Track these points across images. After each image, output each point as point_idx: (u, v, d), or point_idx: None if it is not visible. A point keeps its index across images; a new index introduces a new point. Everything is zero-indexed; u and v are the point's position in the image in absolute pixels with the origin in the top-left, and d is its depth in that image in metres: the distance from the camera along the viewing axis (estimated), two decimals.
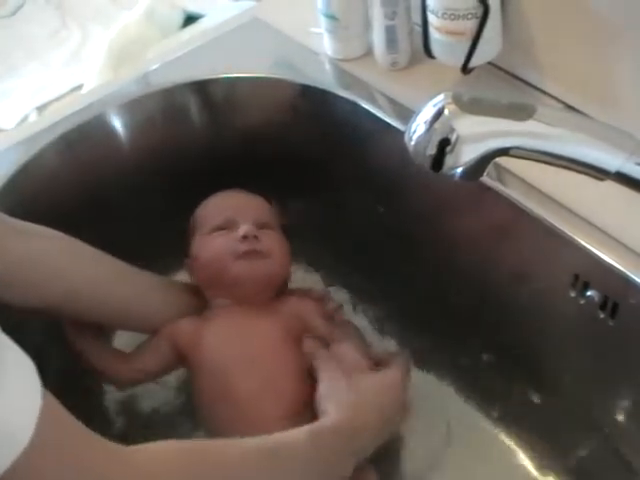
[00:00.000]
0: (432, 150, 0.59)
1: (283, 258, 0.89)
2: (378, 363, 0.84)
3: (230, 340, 0.85)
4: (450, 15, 0.83)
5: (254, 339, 0.85)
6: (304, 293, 0.92)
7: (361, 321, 1.02)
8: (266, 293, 0.88)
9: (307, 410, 0.79)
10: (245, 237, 0.86)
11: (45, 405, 0.48)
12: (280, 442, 0.69)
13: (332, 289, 1.04)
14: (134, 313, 0.87)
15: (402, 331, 1.01)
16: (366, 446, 0.77)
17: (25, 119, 1.76)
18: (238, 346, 0.84)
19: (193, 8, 1.91)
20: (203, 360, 0.84)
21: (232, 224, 0.88)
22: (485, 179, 0.79)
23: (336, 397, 0.77)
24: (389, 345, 1.00)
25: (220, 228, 0.88)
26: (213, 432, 0.84)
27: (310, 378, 0.82)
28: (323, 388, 0.78)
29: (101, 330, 0.89)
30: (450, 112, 0.58)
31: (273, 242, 0.88)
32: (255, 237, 0.86)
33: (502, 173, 0.80)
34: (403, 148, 0.62)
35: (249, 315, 0.86)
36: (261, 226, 0.89)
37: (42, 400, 0.48)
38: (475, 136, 0.58)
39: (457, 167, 0.59)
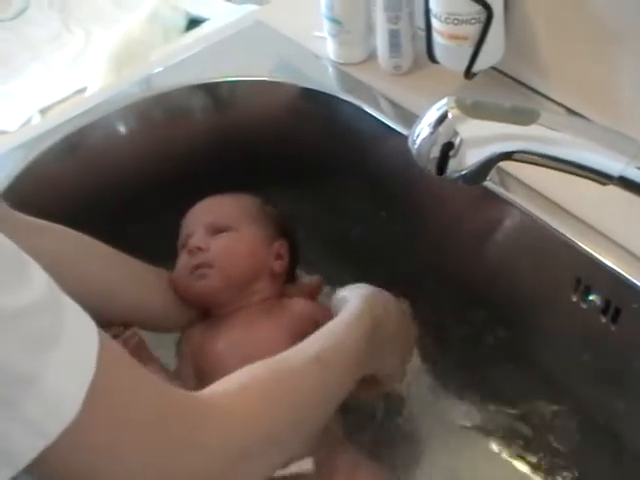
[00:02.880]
0: (435, 154, 0.59)
1: (232, 259, 0.87)
2: None
3: (232, 345, 0.85)
4: (453, 20, 0.83)
5: (256, 343, 0.84)
6: (303, 289, 0.92)
7: None
8: (235, 294, 0.87)
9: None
10: (190, 252, 0.87)
11: (104, 348, 0.48)
12: (321, 344, 0.70)
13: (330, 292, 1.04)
14: (147, 311, 0.87)
15: None
16: (385, 347, 0.78)
17: (28, 121, 1.76)
18: (240, 351, 0.83)
19: (196, 11, 1.92)
20: (207, 366, 0.84)
21: (189, 238, 0.89)
22: (488, 183, 0.79)
23: (355, 289, 0.81)
24: None
25: (183, 246, 0.90)
26: None
27: None
28: (340, 291, 0.82)
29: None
30: (454, 116, 0.58)
31: (222, 245, 0.87)
32: (199, 249, 0.86)
33: (505, 177, 0.80)
34: (406, 152, 0.62)
35: (250, 319, 0.86)
36: (217, 230, 0.88)
37: (99, 345, 0.48)
38: (478, 140, 0.58)
39: (460, 171, 0.59)
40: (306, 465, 0.77)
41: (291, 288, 0.93)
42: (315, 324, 0.84)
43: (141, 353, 0.83)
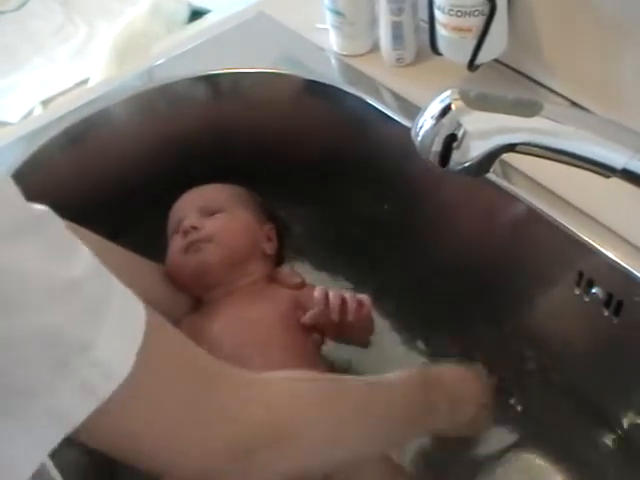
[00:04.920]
0: (439, 146, 0.59)
1: (230, 235, 0.89)
2: None
3: (228, 328, 0.85)
4: (457, 12, 0.83)
5: (251, 325, 0.85)
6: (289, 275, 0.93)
7: None
8: (231, 273, 0.88)
9: None
10: (185, 232, 0.88)
11: (149, 316, 0.50)
12: (373, 381, 0.71)
13: (334, 285, 1.04)
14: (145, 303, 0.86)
15: (406, 326, 1.01)
16: (439, 411, 0.76)
17: (30, 113, 1.76)
18: (237, 333, 0.84)
19: (199, 3, 1.91)
20: (207, 344, 0.84)
21: (180, 223, 0.90)
22: (491, 176, 0.79)
23: None
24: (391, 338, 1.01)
25: (175, 232, 0.91)
26: None
27: (320, 362, 0.84)
28: None
29: None
30: (457, 108, 0.58)
31: (218, 224, 0.89)
32: (194, 228, 0.88)
33: (508, 170, 0.80)
34: (408, 143, 0.62)
35: (243, 301, 0.87)
36: (210, 212, 0.90)
37: (145, 313, 0.50)
38: (482, 132, 0.58)
39: (463, 163, 0.59)
40: None
41: (278, 272, 0.94)
42: (304, 308, 0.86)
43: None
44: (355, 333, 0.89)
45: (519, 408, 0.92)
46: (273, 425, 0.57)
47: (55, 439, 0.47)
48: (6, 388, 0.44)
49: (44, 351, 0.44)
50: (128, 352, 0.48)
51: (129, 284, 0.86)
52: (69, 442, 0.48)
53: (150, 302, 0.88)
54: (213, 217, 0.90)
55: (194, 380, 0.54)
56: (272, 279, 0.91)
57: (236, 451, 0.55)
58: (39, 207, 0.46)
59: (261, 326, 0.84)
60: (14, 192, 0.46)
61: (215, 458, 0.55)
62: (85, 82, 1.76)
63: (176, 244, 0.89)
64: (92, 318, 0.46)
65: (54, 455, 0.50)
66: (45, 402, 0.45)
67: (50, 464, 0.65)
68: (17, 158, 0.91)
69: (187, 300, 0.91)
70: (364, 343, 0.92)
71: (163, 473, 0.58)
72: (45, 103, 1.78)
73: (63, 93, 1.79)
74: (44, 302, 0.43)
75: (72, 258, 0.46)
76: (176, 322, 0.89)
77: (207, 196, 0.93)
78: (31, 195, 0.91)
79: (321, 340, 0.89)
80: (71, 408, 0.46)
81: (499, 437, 0.90)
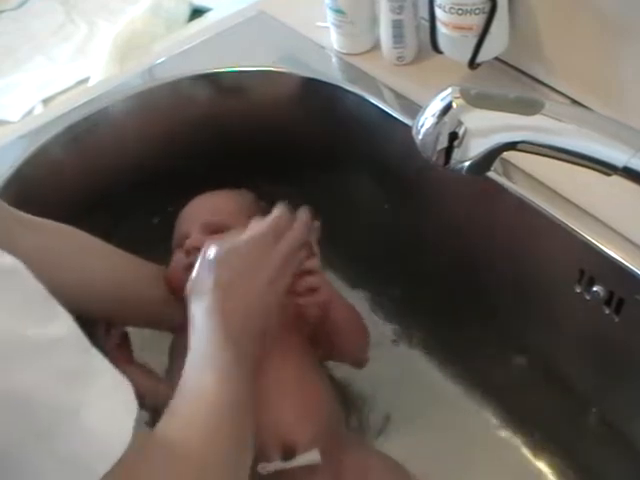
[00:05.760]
0: (439, 144, 0.59)
1: None
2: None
3: None
4: (457, 10, 0.83)
5: None
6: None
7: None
8: None
9: (324, 407, 0.80)
10: (187, 251, 0.86)
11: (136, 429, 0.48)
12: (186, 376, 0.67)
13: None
14: (143, 306, 0.86)
15: (406, 319, 1.01)
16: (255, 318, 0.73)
17: (31, 112, 1.76)
18: None
19: (199, 1, 1.91)
20: None
21: (186, 238, 0.88)
22: (492, 174, 0.79)
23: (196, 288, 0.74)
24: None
25: (179, 246, 0.89)
26: None
27: (325, 376, 0.83)
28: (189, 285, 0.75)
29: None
30: (458, 106, 0.58)
31: None
32: (196, 248, 0.83)
33: (509, 168, 0.80)
34: (409, 142, 0.62)
35: None
36: (213, 229, 0.87)
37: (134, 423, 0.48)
38: (483, 130, 0.58)
39: (464, 161, 0.59)
40: (313, 456, 0.77)
41: None
42: (304, 319, 0.85)
43: (124, 352, 0.84)
44: (346, 346, 0.88)
45: (519, 407, 0.93)
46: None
47: None
48: None
49: (21, 415, 0.41)
50: (122, 426, 0.46)
51: (129, 287, 0.86)
52: None
53: (149, 305, 0.88)
54: (216, 237, 0.88)
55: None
56: None
57: None
58: (9, 260, 0.44)
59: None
60: None
61: None
62: (86, 81, 1.76)
63: (178, 260, 0.88)
64: (75, 384, 0.44)
65: None
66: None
67: None
68: (18, 157, 0.91)
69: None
70: (359, 361, 0.92)
71: None
72: (46, 102, 1.78)
73: (64, 92, 1.79)
74: (14, 362, 0.41)
75: (51, 322, 0.44)
76: (173, 329, 0.89)
77: (213, 209, 0.92)
78: (31, 193, 0.92)
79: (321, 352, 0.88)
80: None
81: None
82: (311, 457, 0.77)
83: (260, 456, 0.78)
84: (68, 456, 0.43)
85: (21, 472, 0.42)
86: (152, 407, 0.82)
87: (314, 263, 0.81)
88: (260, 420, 0.77)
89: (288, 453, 0.77)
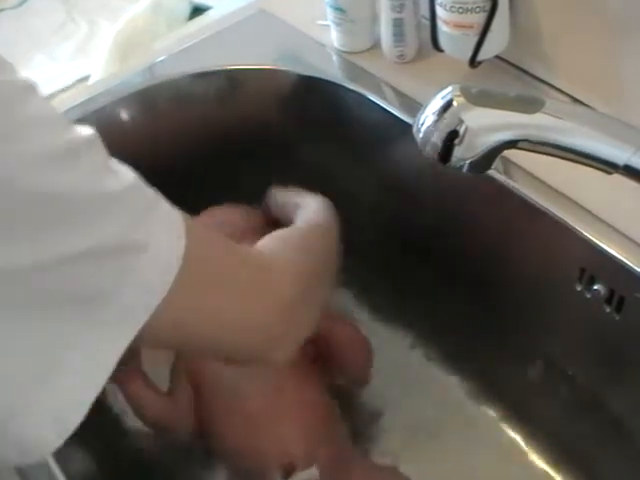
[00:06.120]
0: (440, 142, 0.59)
1: None
2: None
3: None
4: (458, 8, 0.83)
5: None
6: None
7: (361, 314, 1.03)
8: None
9: (325, 425, 0.79)
10: None
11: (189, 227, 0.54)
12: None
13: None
14: None
15: (404, 318, 1.01)
16: None
17: None
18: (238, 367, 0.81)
19: (200, 0, 1.91)
20: (204, 382, 0.83)
21: None
22: (492, 172, 0.79)
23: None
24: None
25: None
26: (227, 452, 0.82)
27: (326, 391, 0.83)
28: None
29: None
30: (458, 104, 0.58)
31: None
32: None
33: (509, 167, 0.80)
34: (410, 140, 0.62)
35: None
36: None
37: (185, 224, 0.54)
38: (483, 128, 0.58)
39: (465, 159, 0.59)
40: (311, 474, 0.77)
41: None
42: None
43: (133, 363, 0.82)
44: (349, 366, 0.89)
45: (518, 406, 0.93)
46: (291, 297, 0.64)
47: (124, 342, 0.49)
48: (74, 297, 0.46)
49: (106, 259, 0.47)
50: (177, 247, 0.52)
51: None
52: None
53: None
54: None
55: (230, 264, 0.61)
56: None
57: (270, 325, 0.63)
58: (85, 130, 0.50)
59: None
60: (60, 116, 0.48)
61: (255, 334, 0.62)
62: (86, 79, 1.76)
63: None
64: (143, 222, 0.50)
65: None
66: (112, 306, 0.48)
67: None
68: None
69: None
70: (361, 381, 0.92)
71: (216, 356, 0.67)
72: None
73: (64, 90, 1.79)
74: (98, 215, 0.46)
75: (117, 174, 0.50)
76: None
77: (221, 224, 0.91)
78: None
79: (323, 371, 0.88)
80: (136, 308, 0.49)
81: None
82: (309, 475, 0.77)
83: (260, 475, 0.77)
84: (138, 282, 0.49)
85: (108, 303, 0.47)
86: (153, 422, 0.83)
87: None
88: (260, 438, 0.78)
89: (289, 473, 0.77)
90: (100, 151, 0.51)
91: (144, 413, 0.82)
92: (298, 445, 0.78)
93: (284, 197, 0.90)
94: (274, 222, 0.89)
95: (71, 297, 0.46)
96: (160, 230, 0.51)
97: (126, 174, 0.51)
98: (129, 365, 0.82)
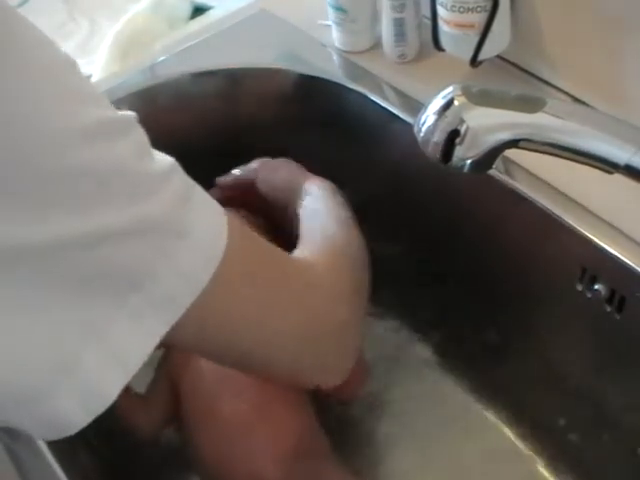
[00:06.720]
0: (441, 142, 0.59)
1: None
2: None
3: (213, 364, 0.77)
4: (459, 8, 0.83)
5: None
6: None
7: None
8: None
9: (305, 445, 0.77)
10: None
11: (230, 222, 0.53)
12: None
13: None
14: None
15: (404, 322, 1.01)
16: None
17: None
18: (221, 370, 0.78)
19: (201, 0, 1.91)
20: (186, 381, 0.80)
21: None
22: (493, 172, 0.79)
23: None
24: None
25: None
26: (201, 461, 0.79)
27: (307, 410, 0.80)
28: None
29: None
30: (460, 104, 0.58)
31: None
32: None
33: (510, 166, 0.80)
34: (411, 140, 0.62)
35: None
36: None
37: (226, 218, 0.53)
38: (485, 128, 0.58)
39: (466, 159, 0.59)
40: None
41: None
42: None
43: None
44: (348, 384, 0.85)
45: (518, 405, 0.93)
46: (344, 319, 0.64)
47: (161, 330, 0.49)
48: (110, 278, 0.46)
49: (145, 240, 0.46)
50: (219, 239, 0.51)
51: None
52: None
53: None
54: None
55: (268, 267, 0.59)
56: None
57: (305, 336, 0.61)
58: (126, 112, 0.50)
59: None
60: (103, 96, 0.48)
61: (289, 343, 0.60)
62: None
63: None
64: (183, 206, 0.49)
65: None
66: (148, 291, 0.47)
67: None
68: None
69: None
70: (351, 398, 0.90)
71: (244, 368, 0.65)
72: None
73: None
74: (137, 194, 0.46)
75: (156, 156, 0.50)
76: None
77: None
78: None
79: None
80: (176, 294, 0.48)
81: None
82: None
83: None
84: (179, 268, 0.48)
85: (143, 287, 0.47)
86: (130, 428, 0.82)
87: None
88: (232, 451, 0.75)
89: None
90: (141, 132, 0.50)
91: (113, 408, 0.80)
92: (270, 460, 0.75)
93: (277, 172, 0.88)
94: (259, 199, 0.89)
95: (107, 277, 0.45)
96: (201, 219, 0.50)
97: (165, 158, 0.51)
98: None
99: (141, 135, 0.50)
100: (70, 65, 0.47)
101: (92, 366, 0.46)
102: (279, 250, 0.61)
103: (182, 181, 0.51)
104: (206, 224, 0.51)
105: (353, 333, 0.68)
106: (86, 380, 0.47)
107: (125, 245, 0.45)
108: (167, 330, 0.49)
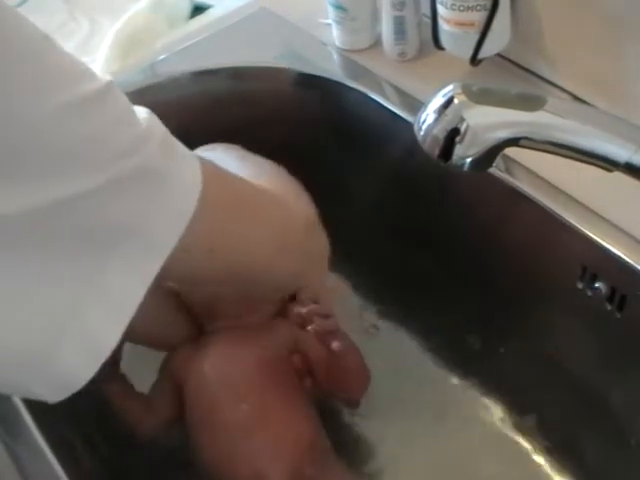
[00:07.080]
0: (441, 140, 0.59)
1: None
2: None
3: (215, 371, 0.80)
4: (459, 6, 0.83)
5: (240, 365, 0.80)
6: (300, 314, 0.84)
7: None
8: (240, 309, 0.83)
9: (308, 447, 0.77)
10: None
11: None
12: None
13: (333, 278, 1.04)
14: (145, 325, 0.84)
15: (404, 321, 1.01)
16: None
17: None
18: (221, 377, 0.79)
19: None
20: (189, 384, 0.80)
21: None
22: (494, 170, 0.79)
23: None
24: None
25: None
26: (204, 462, 0.79)
27: (310, 412, 0.80)
28: None
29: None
30: (460, 102, 0.58)
31: None
32: None
33: (511, 165, 0.80)
34: (411, 138, 0.62)
35: (239, 340, 0.82)
36: None
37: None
38: (485, 126, 0.58)
39: (466, 157, 0.59)
40: None
41: (289, 308, 0.85)
42: (301, 353, 0.82)
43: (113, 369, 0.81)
44: (350, 387, 0.85)
45: (517, 405, 0.93)
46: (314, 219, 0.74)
47: (153, 271, 0.50)
48: (101, 230, 0.47)
49: (131, 191, 0.48)
50: (195, 174, 0.54)
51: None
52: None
53: (148, 320, 0.86)
54: None
55: (249, 191, 0.65)
56: (280, 313, 0.85)
57: (277, 245, 0.67)
58: (103, 78, 0.51)
59: (250, 369, 0.80)
60: (83, 68, 0.50)
61: (288, 253, 0.69)
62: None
63: None
64: (168, 157, 0.52)
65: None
66: (139, 236, 0.49)
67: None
68: None
69: (187, 325, 0.85)
70: (355, 399, 0.88)
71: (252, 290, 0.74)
72: None
73: None
74: (113, 148, 0.48)
75: (137, 117, 0.52)
76: (171, 348, 0.84)
77: None
78: None
79: (312, 388, 0.84)
80: (163, 235, 0.51)
81: None
82: None
83: None
84: (166, 208, 0.51)
85: (135, 233, 0.49)
86: (134, 429, 0.82)
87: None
88: (234, 454, 0.75)
89: None
90: (120, 97, 0.52)
91: (115, 407, 0.80)
92: (273, 460, 0.75)
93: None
94: None
95: (98, 230, 0.47)
96: (177, 160, 0.53)
97: (140, 110, 0.53)
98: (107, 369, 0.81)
99: (121, 100, 0.52)
100: (48, 41, 0.49)
101: (91, 317, 0.48)
102: (243, 177, 0.66)
103: (157, 131, 0.54)
104: (183, 165, 0.54)
105: (315, 240, 0.76)
106: (87, 332, 0.48)
107: (109, 196, 0.47)
108: (158, 269, 0.50)
